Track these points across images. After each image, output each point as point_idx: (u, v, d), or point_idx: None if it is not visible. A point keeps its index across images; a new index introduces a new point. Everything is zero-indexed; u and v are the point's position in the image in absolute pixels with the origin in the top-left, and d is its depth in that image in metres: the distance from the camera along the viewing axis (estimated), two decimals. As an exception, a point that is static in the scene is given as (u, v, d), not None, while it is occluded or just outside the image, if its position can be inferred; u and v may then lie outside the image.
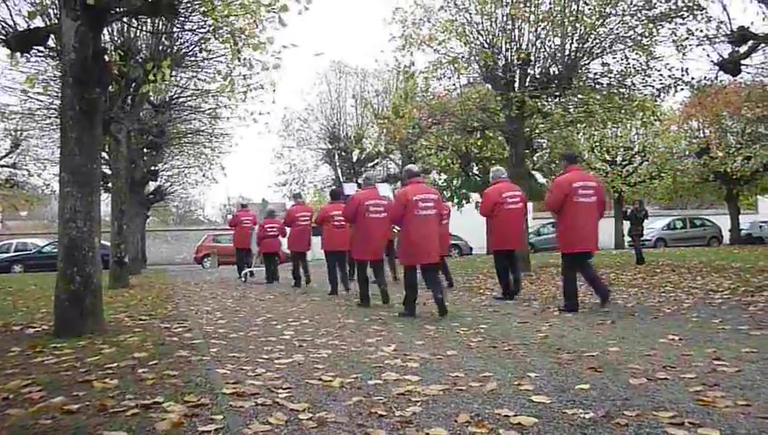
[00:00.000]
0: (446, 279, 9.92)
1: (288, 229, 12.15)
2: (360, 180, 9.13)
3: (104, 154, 14.61)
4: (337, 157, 26.38)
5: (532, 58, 13.41)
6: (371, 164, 26.60)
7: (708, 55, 11.88)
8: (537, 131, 15.83)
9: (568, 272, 7.00)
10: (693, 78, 13.20)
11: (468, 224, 20.18)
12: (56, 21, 8.17)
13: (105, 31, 9.96)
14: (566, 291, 6.96)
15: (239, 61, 7.56)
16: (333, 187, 26.12)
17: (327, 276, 9.98)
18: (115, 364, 4.23)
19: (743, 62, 11.04)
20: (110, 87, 7.83)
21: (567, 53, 13.04)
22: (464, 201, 24.86)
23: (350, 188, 10.03)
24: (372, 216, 7.86)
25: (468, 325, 5.87)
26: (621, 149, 28.11)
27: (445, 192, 24.83)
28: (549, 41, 13.39)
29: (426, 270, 6.93)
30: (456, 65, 13.74)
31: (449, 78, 14.58)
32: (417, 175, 7.14)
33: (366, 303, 7.96)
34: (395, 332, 5.63)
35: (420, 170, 7.83)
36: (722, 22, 11.25)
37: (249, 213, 14.43)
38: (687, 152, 27.62)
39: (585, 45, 13.01)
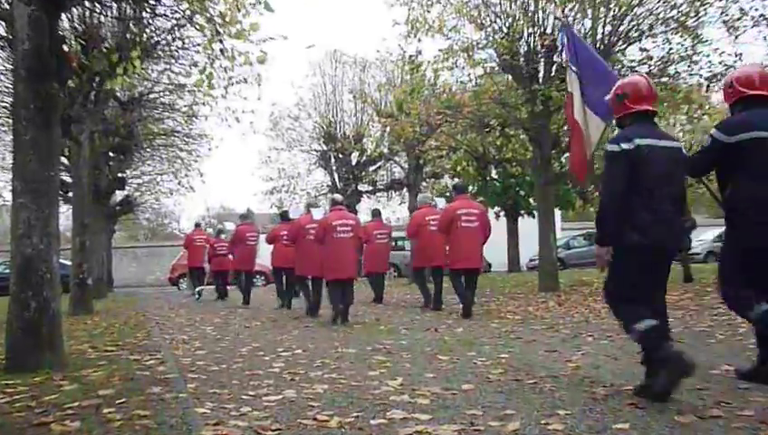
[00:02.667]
0: (375, 295, 12.56)
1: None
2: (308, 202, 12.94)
3: (63, 159, 14.67)
4: (333, 160, 26.42)
5: (559, 44, 13.45)
6: (373, 167, 26.64)
7: (765, 38, 11.89)
8: (564, 128, 15.85)
9: (455, 282, 9.63)
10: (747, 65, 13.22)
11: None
12: (6, 6, 8.25)
13: (64, 17, 10.04)
14: (459, 295, 9.56)
15: (220, 52, 7.60)
16: (329, 194, 26.19)
17: (276, 292, 12.78)
18: (76, 404, 4.22)
19: (804, 45, 11.07)
20: (70, 81, 7.89)
21: (599, 37, 13.08)
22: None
23: (294, 212, 12.08)
24: (310, 237, 10.03)
25: (487, 355, 5.86)
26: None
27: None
28: (578, 24, 13.42)
29: (342, 283, 9.25)
30: (469, 54, 13.79)
31: (462, 68, 14.62)
32: (340, 203, 9.90)
33: (314, 313, 10.40)
34: (401, 363, 5.63)
35: (342, 200, 10.33)
36: (781, -2, 11.29)
37: (202, 232, 17.49)
38: (741, 151, 27.59)
39: (620, 29, 13.05)
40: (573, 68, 7.10)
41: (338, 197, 10.23)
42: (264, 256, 14.78)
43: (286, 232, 11.47)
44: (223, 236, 15.90)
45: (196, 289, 16.64)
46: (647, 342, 4.03)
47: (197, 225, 18.86)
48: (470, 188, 25.12)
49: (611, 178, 4.07)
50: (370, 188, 27.18)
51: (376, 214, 13.48)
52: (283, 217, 12.82)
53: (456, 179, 24.50)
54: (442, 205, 10.92)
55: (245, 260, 14.07)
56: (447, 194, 25.62)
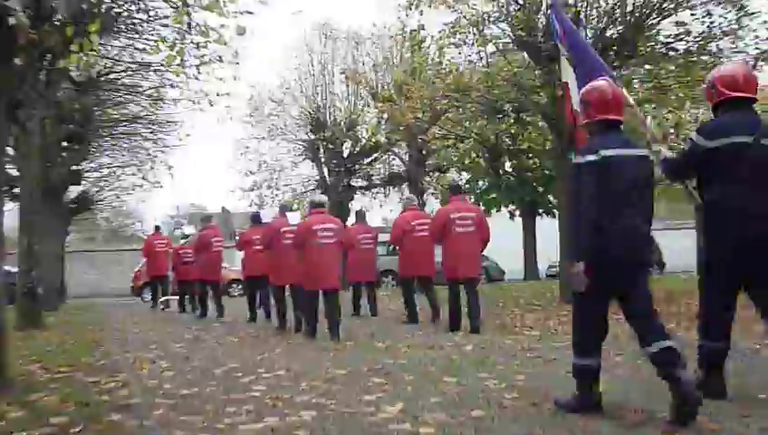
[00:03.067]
0: (370, 309, 12.75)
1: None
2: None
3: (9, 150, 14.62)
4: (322, 150, 26.40)
5: (583, 17, 13.44)
6: (368, 160, 26.63)
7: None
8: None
9: (452, 295, 9.77)
10: (800, 42, 13.23)
11: (498, 241, 20.75)
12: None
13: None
14: (450, 311, 9.79)
15: (189, 27, 7.60)
16: (317, 190, 26.17)
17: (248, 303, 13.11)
18: (25, 433, 4.22)
19: None
20: (17, 60, 7.85)
21: (629, 9, 13.08)
22: (493, 209, 24.84)
23: (266, 215, 12.44)
24: (287, 242, 10.35)
25: (500, 377, 5.87)
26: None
27: (467, 197, 24.84)
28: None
29: (324, 295, 9.54)
30: (479, 28, 13.79)
31: (471, 45, 14.63)
32: (322, 205, 10.11)
33: (282, 326, 10.90)
34: (402, 385, 5.63)
35: (323, 201, 10.52)
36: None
37: (162, 237, 18.12)
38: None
39: (654, -1, 13.05)
40: (565, 53, 7.31)
41: (318, 198, 10.61)
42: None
43: (259, 237, 11.74)
44: (183, 242, 16.18)
45: (160, 300, 17.03)
46: (577, 377, 4.62)
47: (158, 228, 19.17)
48: (480, 183, 25.21)
49: (584, 189, 4.43)
50: (365, 183, 27.17)
51: (360, 216, 13.74)
52: (255, 220, 13.12)
53: (465, 173, 24.67)
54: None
55: (212, 269, 14.23)
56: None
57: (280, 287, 11.17)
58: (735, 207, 4.57)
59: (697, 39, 13.51)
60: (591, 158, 4.39)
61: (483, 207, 24.91)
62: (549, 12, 9.65)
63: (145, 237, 19.55)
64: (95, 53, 11.41)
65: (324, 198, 11.14)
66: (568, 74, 7.17)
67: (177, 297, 16.52)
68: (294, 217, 10.73)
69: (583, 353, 4.58)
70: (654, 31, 13.55)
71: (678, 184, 5.60)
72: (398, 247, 11.90)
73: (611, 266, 4.36)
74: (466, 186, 25.03)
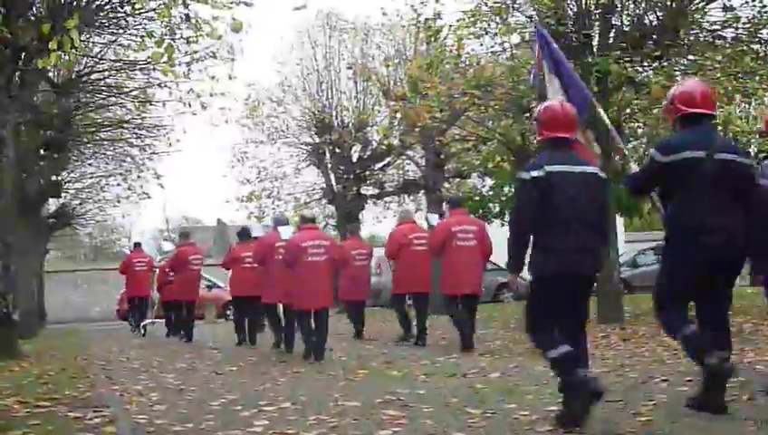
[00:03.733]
0: (354, 329, 13.38)
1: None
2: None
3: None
4: (328, 155, 26.37)
5: (618, 2, 13.42)
6: (380, 165, 26.57)
7: None
8: (628, 111, 15.78)
9: (451, 309, 10.73)
10: None
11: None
12: None
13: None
14: (459, 330, 10.47)
15: (184, 19, 7.65)
16: (323, 199, 26.17)
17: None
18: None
19: None
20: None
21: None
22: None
23: (257, 230, 13.04)
24: (280, 257, 10.83)
25: (531, 407, 5.84)
26: (757, 136, 27.96)
27: (491, 204, 24.76)
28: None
29: (313, 314, 10.16)
30: (503, 16, 13.77)
31: (494, 35, 14.61)
32: (312, 220, 11.07)
33: (288, 348, 11.27)
34: (421, 419, 5.62)
35: (312, 216, 11.52)
36: None
37: (143, 255, 18.56)
38: None
39: (698, -19, 13.02)
40: (549, 71, 7.90)
41: (308, 213, 11.34)
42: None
43: (251, 254, 12.26)
44: (160, 259, 16.88)
45: (142, 324, 17.57)
46: (559, 368, 5.01)
47: (138, 245, 19.77)
48: (506, 189, 25.11)
49: (518, 206, 5.38)
50: (377, 190, 27.08)
51: (354, 230, 14.17)
52: (242, 236, 13.68)
53: (488, 178, 24.56)
54: (435, 222, 11.81)
55: (190, 288, 14.82)
56: (477, 197, 25.69)
57: (273, 305, 11.72)
58: (690, 222, 5.10)
59: (747, 26, 13.45)
60: (536, 173, 5.00)
61: (509, 216, 24.95)
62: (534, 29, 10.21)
63: (128, 253, 20.20)
64: (75, 51, 11.54)
65: (314, 212, 11.77)
66: (556, 88, 7.64)
67: (162, 320, 16.89)
68: (286, 232, 11.10)
69: (551, 346, 4.99)
70: (699, 17, 13.50)
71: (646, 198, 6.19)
72: (391, 262, 12.45)
73: (560, 282, 4.96)
74: (490, 192, 24.92)
